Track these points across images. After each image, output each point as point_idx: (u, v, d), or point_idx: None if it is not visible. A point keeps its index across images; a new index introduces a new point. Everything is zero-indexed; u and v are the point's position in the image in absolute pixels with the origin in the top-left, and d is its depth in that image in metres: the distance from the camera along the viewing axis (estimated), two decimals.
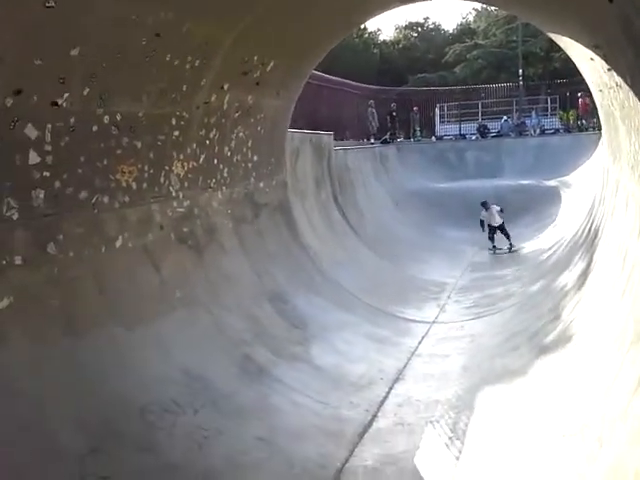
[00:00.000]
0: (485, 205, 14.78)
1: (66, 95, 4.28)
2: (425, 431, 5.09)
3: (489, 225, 14.72)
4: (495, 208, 14.70)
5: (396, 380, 6.31)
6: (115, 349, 4.58)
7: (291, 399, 5.46)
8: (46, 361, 4.00)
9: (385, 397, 5.86)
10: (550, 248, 11.81)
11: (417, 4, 9.65)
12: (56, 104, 4.22)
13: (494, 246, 14.57)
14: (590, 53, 6.30)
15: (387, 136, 22.93)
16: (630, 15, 3.74)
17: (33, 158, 4.13)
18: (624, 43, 4.27)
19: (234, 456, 4.30)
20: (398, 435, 5.09)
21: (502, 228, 14.55)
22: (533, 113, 27.18)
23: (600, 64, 6.01)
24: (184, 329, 5.45)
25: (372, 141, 21.99)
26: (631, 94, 4.76)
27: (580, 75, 9.22)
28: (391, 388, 6.08)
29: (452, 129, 28.35)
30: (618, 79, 5.29)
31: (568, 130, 25.29)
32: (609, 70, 5.64)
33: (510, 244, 14.35)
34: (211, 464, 4.14)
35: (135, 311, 5.03)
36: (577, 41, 6.88)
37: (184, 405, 4.52)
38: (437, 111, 29.28)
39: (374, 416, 5.44)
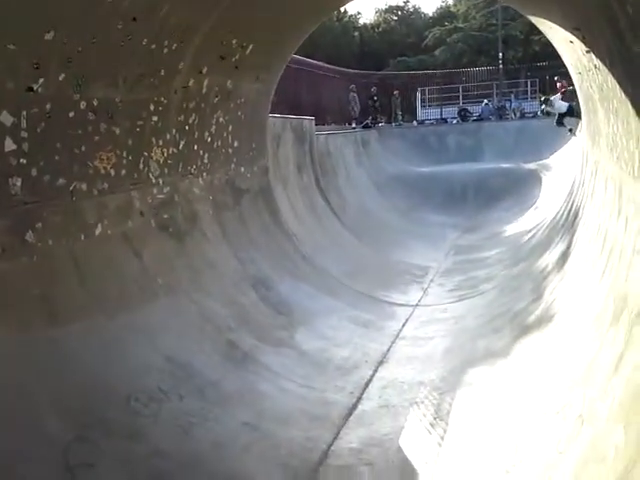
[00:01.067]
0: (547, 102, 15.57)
1: (41, 80, 4.19)
2: (409, 413, 5.14)
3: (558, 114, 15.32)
4: (557, 97, 15.48)
5: (380, 363, 6.35)
6: (98, 337, 4.53)
7: (277, 384, 5.48)
8: (29, 350, 3.95)
9: (369, 380, 5.90)
10: (531, 230, 11.94)
11: None
12: (31, 89, 4.14)
13: (570, 129, 15.03)
14: (569, 36, 6.32)
15: (368, 121, 22.91)
16: None
17: (9, 145, 4.05)
18: (603, 25, 4.29)
19: (221, 441, 4.31)
20: (383, 417, 5.13)
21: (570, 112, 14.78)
22: (512, 96, 27.34)
23: (579, 46, 6.04)
24: (167, 316, 5.41)
25: (354, 126, 21.95)
26: (609, 77, 4.80)
27: (560, 58, 9.26)
28: (375, 371, 6.13)
29: (433, 113, 28.45)
30: (597, 61, 5.32)
31: (547, 113, 25.46)
32: (588, 52, 5.67)
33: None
34: (198, 449, 4.14)
35: (117, 299, 4.99)
36: (557, 24, 6.90)
37: (169, 392, 4.50)
38: (418, 95, 29.34)
39: (359, 399, 5.48)
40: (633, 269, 3.87)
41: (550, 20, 7.29)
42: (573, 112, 14.64)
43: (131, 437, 3.95)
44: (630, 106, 4.07)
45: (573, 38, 6.21)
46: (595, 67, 5.55)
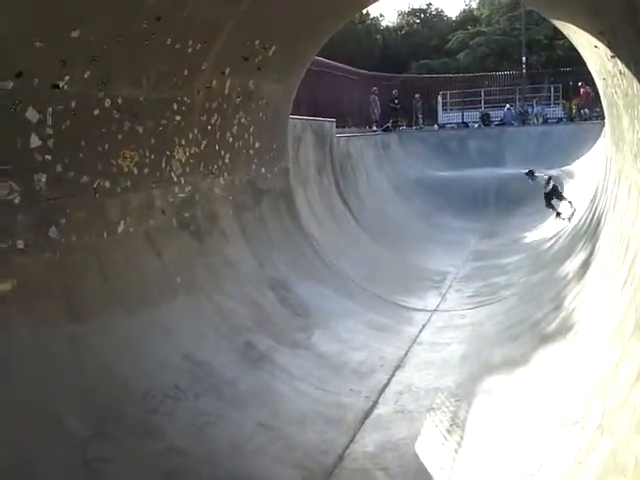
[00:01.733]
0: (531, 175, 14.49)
1: (67, 78, 4.25)
2: (425, 418, 5.11)
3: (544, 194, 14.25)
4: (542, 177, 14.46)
5: (397, 368, 6.32)
6: (118, 334, 4.58)
7: (292, 385, 5.48)
8: (50, 345, 4.01)
9: (386, 385, 5.87)
10: (552, 237, 11.79)
11: None
12: (57, 87, 4.19)
13: (557, 212, 13.95)
14: (594, 40, 6.24)
15: (389, 124, 22.85)
16: (635, 1, 3.70)
17: (34, 141, 4.11)
18: (629, 30, 4.23)
19: (236, 441, 4.33)
20: (398, 422, 5.10)
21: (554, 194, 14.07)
22: (534, 102, 27.09)
23: (604, 51, 5.96)
24: (186, 315, 5.45)
25: (374, 128, 21.90)
26: (635, 82, 4.72)
27: (584, 64, 9.15)
28: (392, 376, 6.09)
29: (455, 117, 28.25)
30: (622, 67, 5.24)
31: (571, 119, 25.20)
32: (613, 57, 5.59)
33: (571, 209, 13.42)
34: (213, 448, 4.16)
35: (137, 296, 5.03)
36: (581, 28, 6.82)
37: (186, 390, 4.53)
38: (440, 99, 29.13)
39: (375, 403, 5.45)
40: None
41: (575, 24, 7.20)
42: (557, 193, 14.15)
43: (147, 434, 3.98)
44: None
45: (598, 43, 6.13)
46: (620, 72, 5.46)
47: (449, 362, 6.43)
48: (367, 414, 5.23)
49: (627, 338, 3.99)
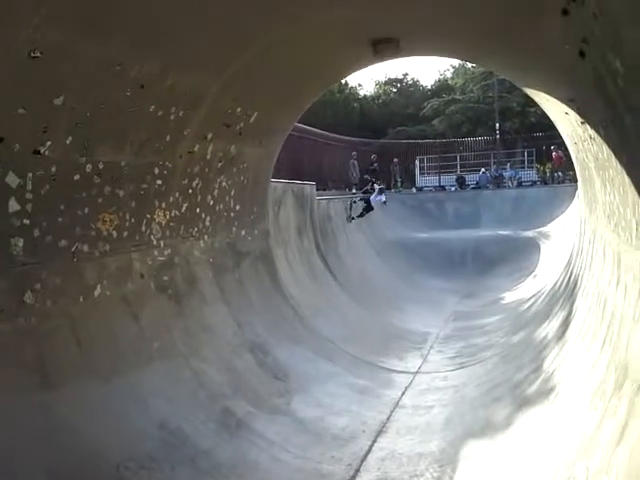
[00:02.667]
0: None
1: (48, 144, 4.30)
2: None
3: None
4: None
5: (379, 433, 6.17)
6: (91, 402, 4.44)
7: (271, 454, 5.31)
8: (20, 414, 3.86)
9: (368, 451, 5.72)
10: (530, 298, 11.88)
11: (396, 60, 10.00)
12: (38, 152, 4.23)
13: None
14: (564, 107, 6.52)
15: (368, 187, 23.30)
16: (601, 70, 3.91)
17: (13, 206, 4.10)
18: (596, 97, 4.44)
19: None
20: None
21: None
22: (508, 165, 27.98)
23: (574, 117, 6.22)
24: (162, 381, 5.32)
25: (354, 191, 22.31)
26: (604, 146, 4.92)
27: (555, 129, 9.52)
28: (374, 441, 5.95)
29: (432, 180, 29.00)
30: (592, 132, 5.46)
31: (545, 182, 25.98)
32: (583, 123, 5.83)
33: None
34: None
35: (112, 362, 4.91)
36: (552, 95, 7.13)
37: (161, 461, 4.37)
38: (417, 163, 29.98)
39: (357, 471, 5.29)
40: (633, 338, 3.84)
41: (545, 92, 7.53)
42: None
43: None
44: (625, 175, 4.15)
45: (568, 109, 6.40)
46: (590, 137, 5.69)
47: (432, 426, 6.30)
48: None
49: (608, 398, 3.98)
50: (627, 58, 3.24)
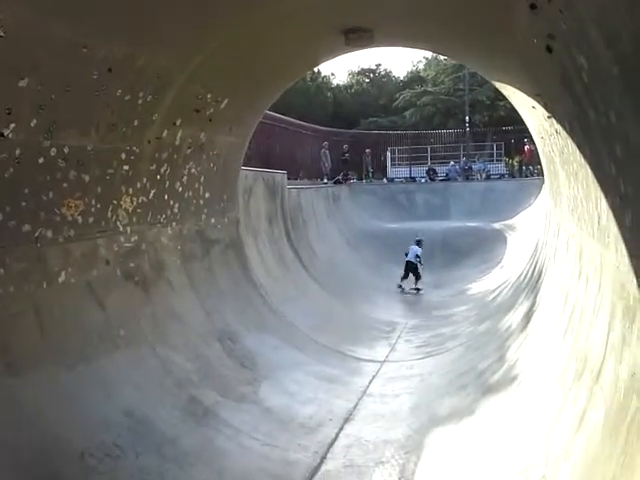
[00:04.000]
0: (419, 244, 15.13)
1: (12, 126, 4.18)
2: (374, 472, 5.03)
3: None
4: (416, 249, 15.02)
5: (346, 420, 6.23)
6: (56, 388, 4.37)
7: (238, 442, 5.31)
8: None
9: (334, 438, 5.77)
10: (496, 289, 12.11)
11: (369, 51, 10.00)
12: (2, 135, 4.12)
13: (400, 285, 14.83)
14: (532, 101, 6.62)
15: (340, 177, 23.35)
16: (567, 65, 3.98)
17: None
18: (562, 92, 4.52)
19: None
20: (347, 477, 5.00)
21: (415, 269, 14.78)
22: (477, 158, 28.35)
23: (541, 112, 6.32)
24: (128, 369, 5.26)
25: (325, 181, 22.33)
26: (569, 141, 5.02)
27: (524, 123, 9.66)
28: (341, 429, 6.00)
29: (403, 172, 29.17)
30: (557, 126, 5.56)
31: (512, 175, 26.40)
32: (549, 118, 5.93)
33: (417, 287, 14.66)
34: None
35: (78, 349, 4.84)
36: (520, 89, 7.23)
37: (126, 448, 4.33)
38: (388, 154, 30.10)
39: (323, 458, 5.34)
40: (593, 330, 3.95)
41: (513, 86, 7.63)
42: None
43: None
44: (589, 169, 4.25)
45: (535, 104, 6.50)
46: (556, 132, 5.79)
47: (398, 414, 6.39)
48: (315, 470, 5.10)
49: (568, 388, 4.09)
50: (591, 54, 3.31)
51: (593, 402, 3.46)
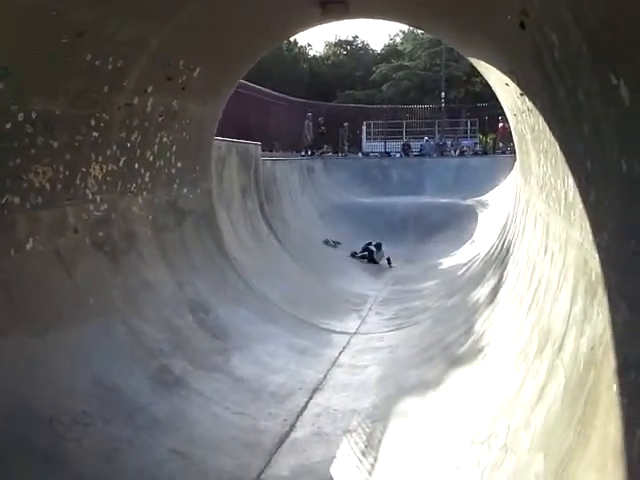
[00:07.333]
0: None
1: None
2: (342, 441, 5.14)
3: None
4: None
5: (315, 390, 6.34)
6: (24, 356, 4.34)
7: (209, 410, 5.37)
8: None
9: (304, 407, 5.87)
10: (466, 264, 12.30)
11: (346, 22, 9.90)
12: None
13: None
14: (505, 78, 6.65)
15: (323, 150, 23.31)
16: (539, 42, 4.00)
17: None
18: (533, 69, 4.55)
19: (147, 468, 4.18)
20: (315, 445, 5.11)
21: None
22: (456, 137, 28.44)
23: (514, 89, 6.36)
24: (98, 337, 5.25)
25: (307, 153, 22.18)
26: (540, 119, 5.07)
27: (498, 100, 9.72)
28: (310, 398, 6.11)
29: (378, 146, 29.15)
30: (529, 104, 5.61)
31: (486, 152, 26.61)
32: (521, 95, 5.97)
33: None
34: (122, 476, 3.99)
35: (45, 317, 4.80)
36: (494, 66, 7.25)
37: (95, 416, 4.34)
38: (364, 128, 30.01)
39: (292, 426, 5.43)
40: (557, 304, 4.06)
41: (488, 62, 7.65)
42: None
43: (52, 461, 3.77)
44: (558, 147, 4.31)
45: (509, 80, 6.53)
46: (528, 109, 5.85)
47: (366, 384, 6.52)
48: (284, 438, 5.20)
49: (530, 360, 4.22)
50: (562, 32, 3.33)
51: (554, 374, 3.57)
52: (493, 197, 18.58)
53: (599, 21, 2.55)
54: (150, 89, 6.49)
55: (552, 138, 4.54)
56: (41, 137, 4.88)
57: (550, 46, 3.64)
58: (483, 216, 17.60)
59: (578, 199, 3.61)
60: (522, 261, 6.32)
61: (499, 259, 8.29)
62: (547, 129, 4.75)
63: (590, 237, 3.30)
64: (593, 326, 3.07)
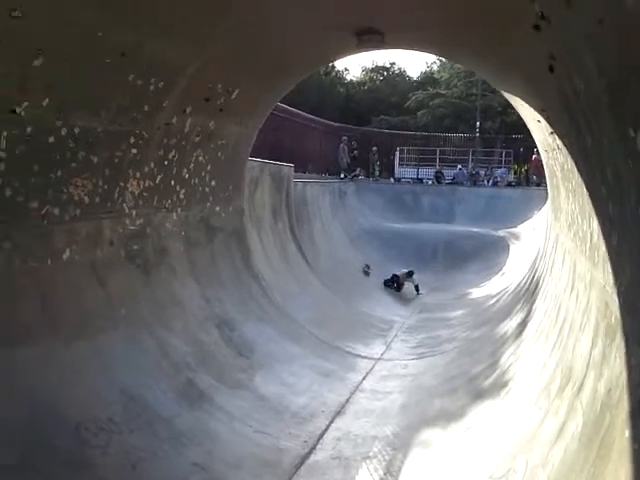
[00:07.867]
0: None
1: (25, 104, 4.26)
2: (361, 466, 5.12)
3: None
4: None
5: (337, 414, 6.32)
6: (54, 362, 4.47)
7: (231, 427, 5.41)
8: None
9: (325, 430, 5.86)
10: (495, 295, 12.14)
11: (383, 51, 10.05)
12: (14, 112, 4.19)
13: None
14: (537, 115, 6.66)
15: (356, 173, 23.50)
16: (565, 86, 4.04)
17: None
18: (561, 110, 4.58)
19: (168, 479, 4.22)
20: (334, 469, 5.09)
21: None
22: (489, 167, 28.26)
23: (545, 126, 6.36)
24: (126, 348, 5.36)
25: (343, 176, 22.34)
26: (569, 158, 5.07)
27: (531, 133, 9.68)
28: (331, 422, 6.09)
29: (410, 172, 29.10)
30: (559, 142, 5.61)
31: (519, 183, 26.34)
32: (551, 133, 5.98)
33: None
34: None
35: (77, 325, 4.94)
36: (526, 102, 7.27)
37: (121, 425, 4.42)
38: (397, 154, 30.04)
39: (312, 448, 5.43)
40: (579, 344, 4.01)
41: (520, 98, 7.67)
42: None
43: (77, 466, 3.85)
44: (584, 188, 4.31)
45: (540, 118, 6.54)
46: (558, 147, 5.84)
47: (388, 411, 6.48)
48: (304, 459, 5.20)
49: (552, 398, 4.17)
50: (587, 80, 3.36)
51: (573, 414, 3.53)
52: (525, 230, 18.34)
53: (619, 75, 2.58)
54: (189, 109, 6.69)
55: (579, 179, 4.54)
56: (82, 152, 5.07)
57: (577, 92, 3.68)
58: (514, 248, 17.37)
59: (602, 241, 3.60)
60: (550, 297, 6.25)
61: (528, 293, 8.19)
62: (575, 169, 4.75)
63: (611, 280, 3.28)
64: (611, 369, 3.04)
